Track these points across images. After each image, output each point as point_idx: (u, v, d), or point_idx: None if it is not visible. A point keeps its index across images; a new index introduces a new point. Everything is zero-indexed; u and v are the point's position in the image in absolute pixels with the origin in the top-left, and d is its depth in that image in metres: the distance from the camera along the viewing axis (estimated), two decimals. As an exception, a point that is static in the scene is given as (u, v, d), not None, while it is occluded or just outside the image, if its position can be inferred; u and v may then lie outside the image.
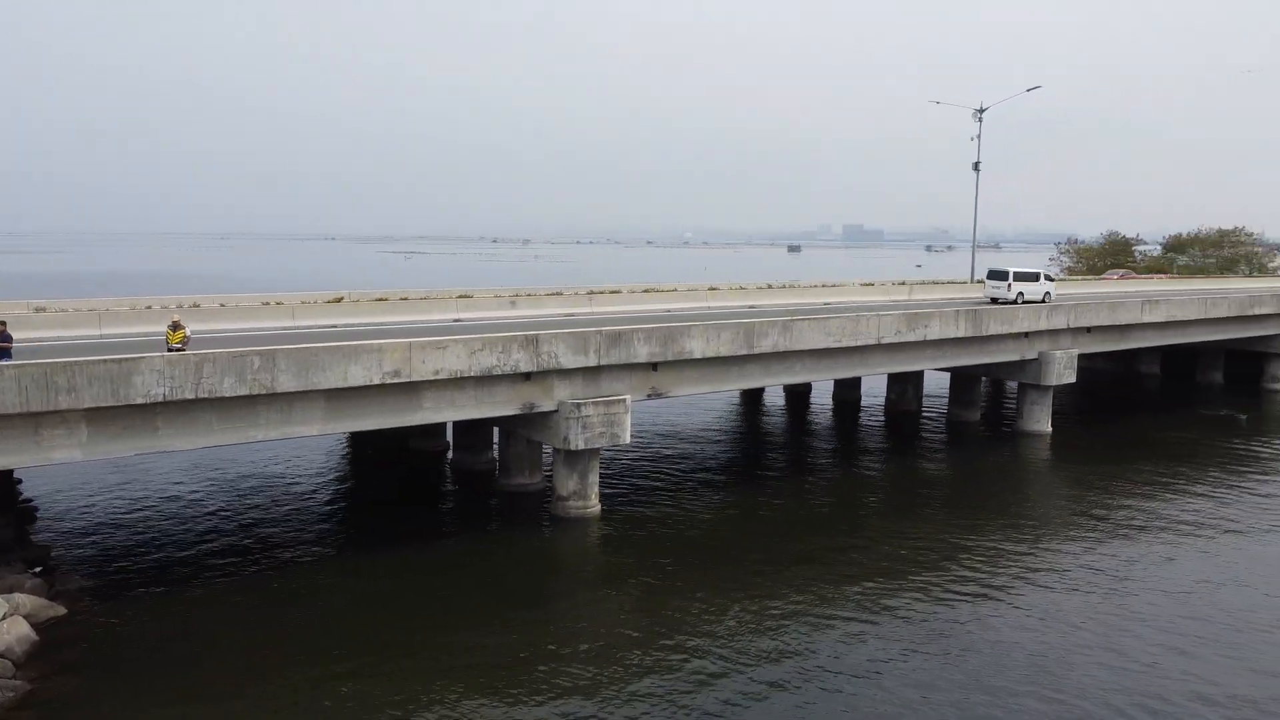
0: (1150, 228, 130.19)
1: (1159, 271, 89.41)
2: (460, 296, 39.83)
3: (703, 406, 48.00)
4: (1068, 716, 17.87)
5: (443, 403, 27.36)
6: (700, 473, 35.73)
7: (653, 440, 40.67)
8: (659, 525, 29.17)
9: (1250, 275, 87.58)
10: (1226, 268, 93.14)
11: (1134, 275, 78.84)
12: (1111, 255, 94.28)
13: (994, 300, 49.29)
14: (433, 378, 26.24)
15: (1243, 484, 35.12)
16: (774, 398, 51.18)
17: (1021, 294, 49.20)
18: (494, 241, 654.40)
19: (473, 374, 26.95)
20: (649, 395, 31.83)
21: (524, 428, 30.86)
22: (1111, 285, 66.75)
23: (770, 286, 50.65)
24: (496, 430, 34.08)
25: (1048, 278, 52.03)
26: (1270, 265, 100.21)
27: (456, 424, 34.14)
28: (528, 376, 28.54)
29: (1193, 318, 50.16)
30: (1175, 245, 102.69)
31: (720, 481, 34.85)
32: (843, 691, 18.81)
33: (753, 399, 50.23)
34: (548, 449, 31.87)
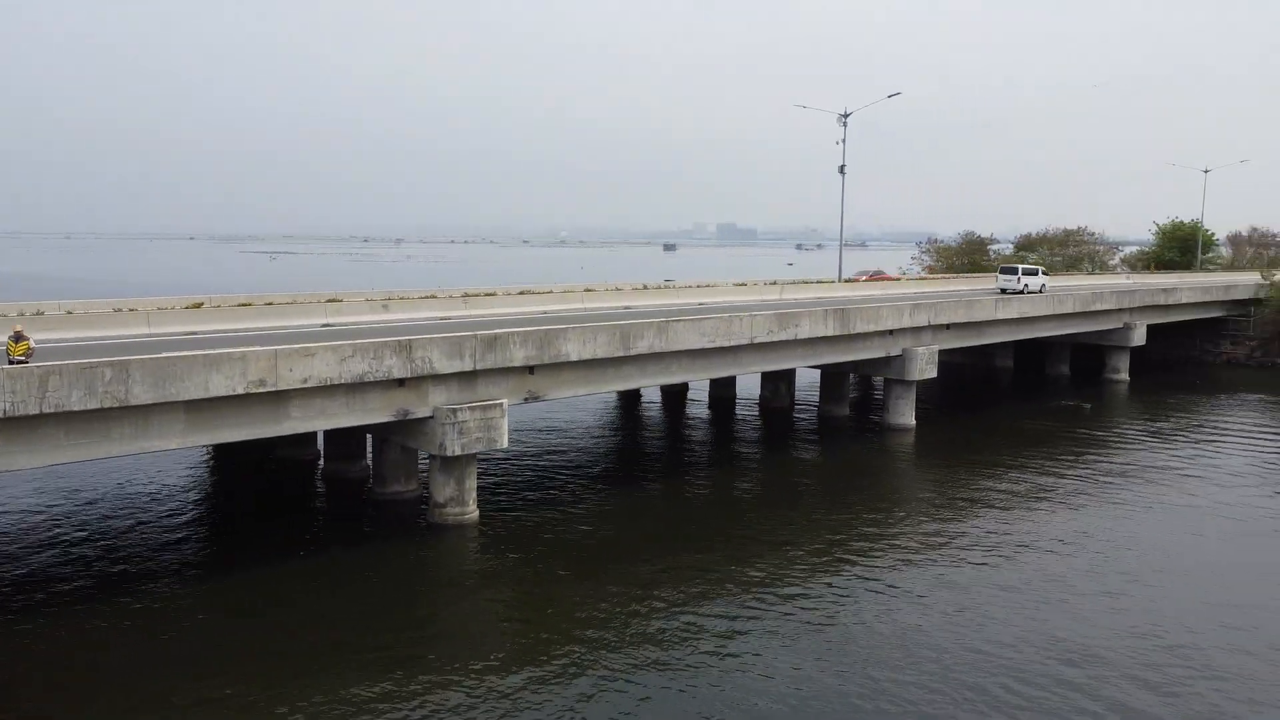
0: (1003, 227, 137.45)
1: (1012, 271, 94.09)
2: (329, 300, 38.73)
3: (581, 408, 48.10)
4: (941, 698, 18.72)
5: (312, 411, 26.56)
6: (580, 474, 35.80)
7: (532, 444, 40.51)
8: (539, 529, 29.09)
9: (1092, 273, 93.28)
10: (1072, 265, 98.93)
11: (885, 277, 78.86)
12: (968, 254, 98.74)
13: (1004, 291, 57.35)
14: (301, 386, 25.43)
15: (1090, 465, 37.47)
16: (651, 397, 51.72)
17: (1026, 285, 57.94)
18: (365, 241, 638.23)
19: (344, 381, 26.26)
20: (526, 399, 31.69)
21: (399, 434, 30.26)
22: (877, 287, 66.02)
23: (646, 287, 51.13)
24: (370, 437, 33.31)
25: (1044, 272, 62.46)
26: (1110, 263, 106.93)
27: (328, 432, 33.19)
28: (401, 382, 27.99)
29: (1042, 314, 53.23)
30: (1026, 244, 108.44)
31: (600, 482, 35.00)
32: (724, 687, 19.18)
33: (630, 399, 50.64)
34: (424, 455, 31.35)
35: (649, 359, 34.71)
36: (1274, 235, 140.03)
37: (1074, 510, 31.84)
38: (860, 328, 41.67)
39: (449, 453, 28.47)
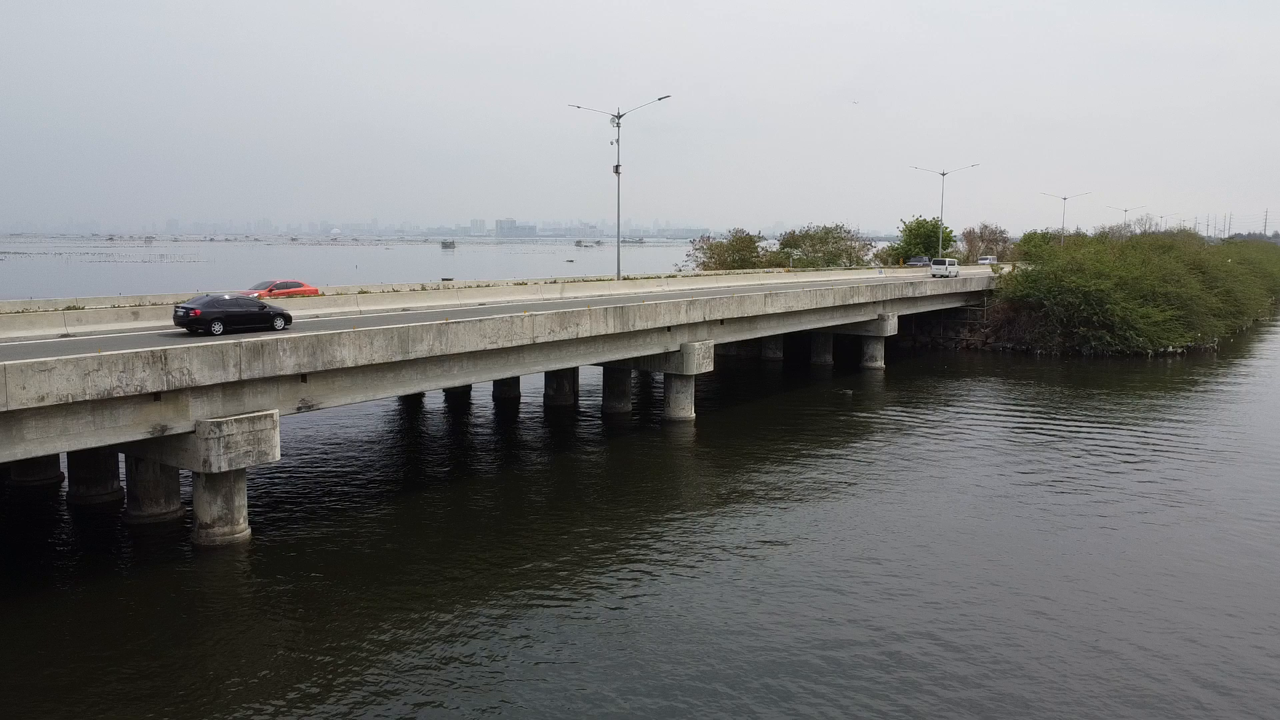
0: (770, 224, 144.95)
1: (779, 265, 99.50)
2: (69, 308, 35.25)
3: (361, 415, 46.36)
4: (733, 688, 19.46)
5: (52, 432, 24.06)
6: (361, 485, 34.50)
7: (308, 455, 38.62)
8: (318, 544, 27.77)
9: (850, 268, 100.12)
10: (832, 260, 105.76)
11: (302, 290, 63.54)
12: (738, 251, 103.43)
13: (935, 275, 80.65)
14: (37, 404, 22.98)
15: (853, 447, 40.18)
16: (434, 400, 50.65)
17: (957, 273, 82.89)
18: (110, 239, 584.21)
19: (88, 397, 23.95)
20: (300, 408, 30.15)
21: (156, 452, 27.96)
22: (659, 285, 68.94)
23: (424, 288, 49.95)
24: (123, 456, 30.58)
25: (954, 262, 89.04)
26: (864, 258, 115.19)
27: (72, 453, 30.15)
28: (157, 396, 25.87)
29: (806, 308, 56.56)
30: (790, 241, 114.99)
31: (382, 492, 33.88)
32: (511, 700, 19.07)
33: (412, 403, 49.36)
34: (186, 473, 29.13)
35: (429, 362, 33.95)
36: (1002, 232, 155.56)
37: (842, 491, 34.02)
38: (640, 325, 42.63)
39: (214, 469, 26.62)
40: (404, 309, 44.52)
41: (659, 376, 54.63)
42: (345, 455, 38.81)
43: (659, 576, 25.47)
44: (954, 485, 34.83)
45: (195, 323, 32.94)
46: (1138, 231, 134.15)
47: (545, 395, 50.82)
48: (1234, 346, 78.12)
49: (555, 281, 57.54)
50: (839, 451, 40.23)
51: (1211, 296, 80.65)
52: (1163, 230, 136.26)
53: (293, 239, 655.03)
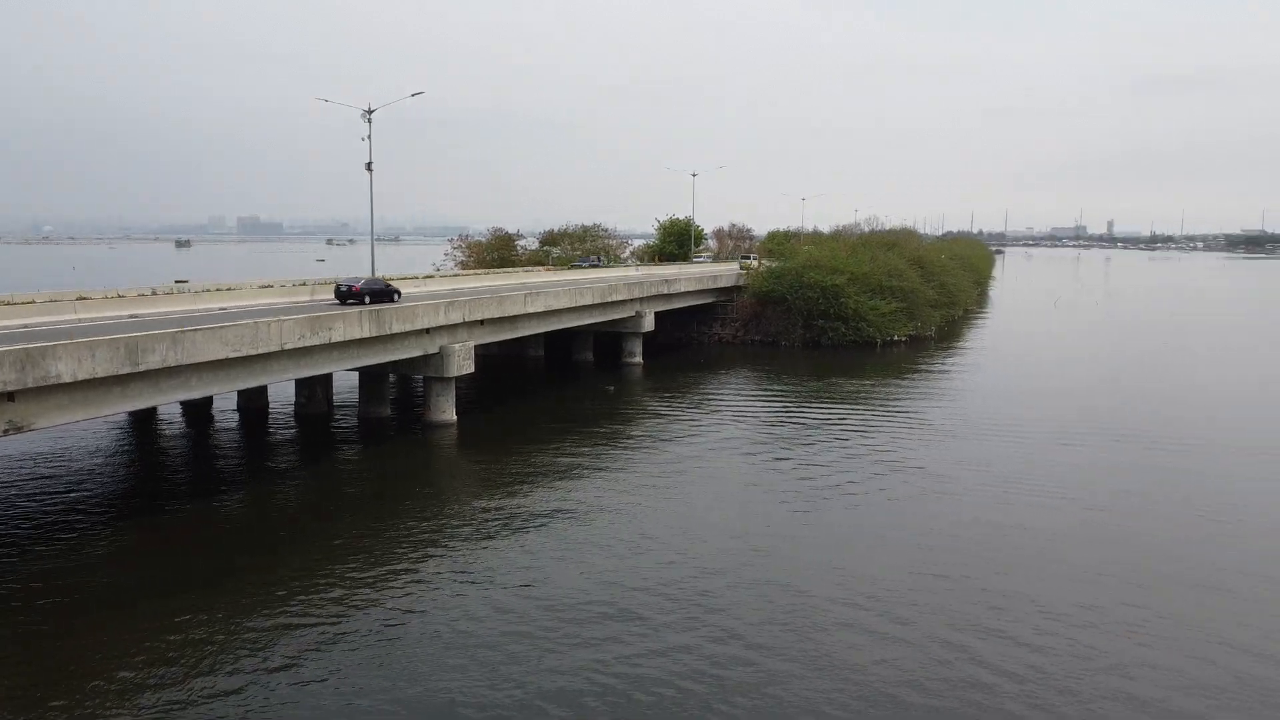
0: (529, 222, 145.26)
1: (539, 264, 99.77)
2: None
3: (87, 433, 41.97)
4: (516, 692, 19.28)
5: None
6: (83, 513, 31.24)
7: (16, 483, 34.52)
8: (46, 578, 24.87)
9: (608, 266, 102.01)
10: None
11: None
12: (498, 249, 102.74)
13: (742, 268, 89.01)
14: None
15: (616, 441, 41.03)
16: (170, 413, 46.74)
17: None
18: None
19: None
20: (7, 430, 26.89)
21: None
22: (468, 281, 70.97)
23: (155, 292, 45.88)
24: None
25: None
26: (622, 256, 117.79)
27: None
28: None
29: (566, 306, 57.10)
30: (550, 239, 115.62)
31: (108, 519, 30.86)
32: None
33: (144, 418, 45.28)
34: None
35: (163, 374, 31.29)
36: (749, 230, 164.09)
37: (609, 486, 34.63)
38: (397, 328, 41.41)
39: (-101, 506, 23.21)
40: (132, 316, 40.70)
41: (419, 379, 53.31)
42: (68, 479, 35.01)
43: (429, 584, 24.89)
44: (714, 473, 36.38)
45: None
46: (866, 230, 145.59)
47: (297, 404, 48.22)
48: (949, 334, 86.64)
49: (305, 283, 54.64)
50: (604, 447, 40.97)
51: (929, 289, 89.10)
52: (887, 229, 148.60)
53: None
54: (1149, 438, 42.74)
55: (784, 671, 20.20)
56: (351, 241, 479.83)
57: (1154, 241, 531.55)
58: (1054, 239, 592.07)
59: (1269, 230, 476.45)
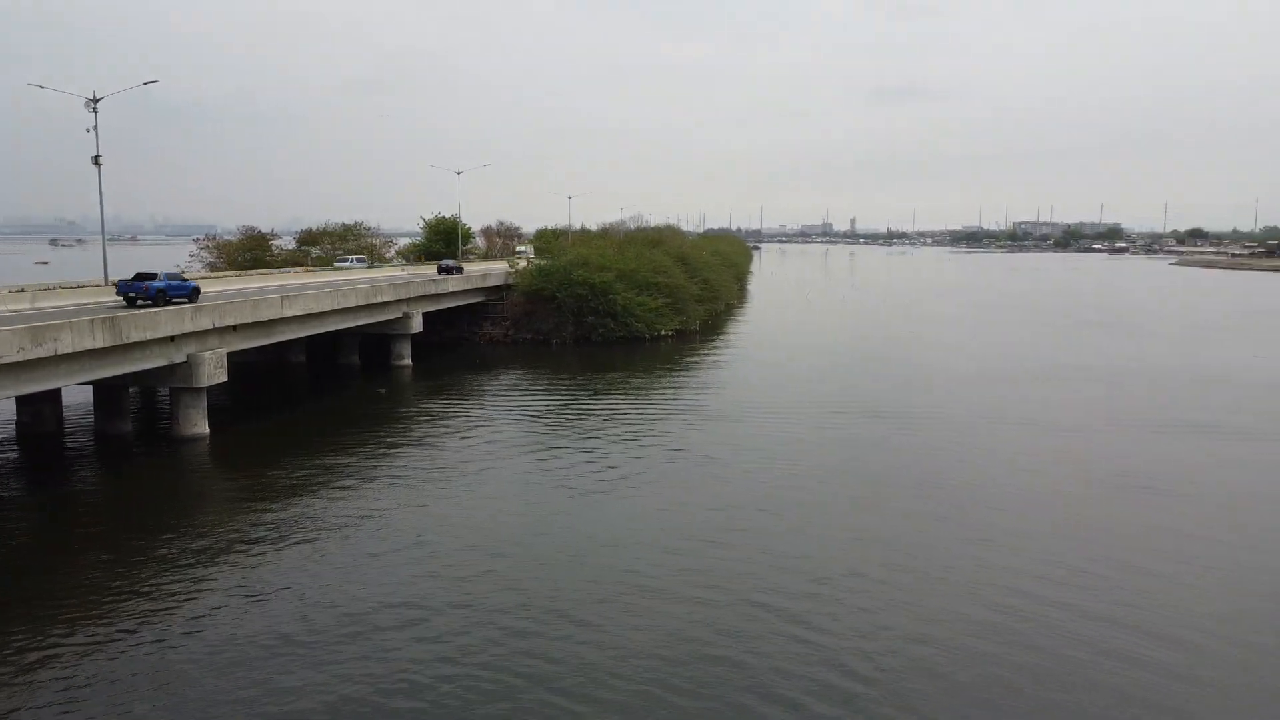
0: (285, 220, 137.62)
1: (297, 264, 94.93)
2: None
3: None
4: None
5: None
6: None
7: None
8: None
9: (372, 266, 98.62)
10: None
11: None
12: (250, 250, 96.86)
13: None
14: None
15: (386, 446, 39.70)
16: None
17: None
18: None
19: None
20: None
21: None
22: (250, 282, 68.27)
23: None
24: None
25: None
26: (387, 255, 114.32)
27: None
28: None
29: (328, 309, 54.66)
30: (308, 239, 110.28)
31: None
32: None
33: None
34: None
35: None
36: (517, 228, 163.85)
37: (383, 493, 33.41)
38: (137, 335, 38.04)
39: None
40: None
41: (166, 391, 49.25)
42: None
43: (189, 613, 23.01)
44: (493, 473, 36.00)
45: None
46: (632, 228, 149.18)
47: (19, 424, 43.16)
48: (713, 328, 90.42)
49: (24, 290, 49.01)
50: (374, 451, 39.54)
51: (693, 285, 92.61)
52: (652, 227, 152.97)
53: None
54: (888, 414, 46.49)
55: (543, 671, 20.34)
56: (80, 242, 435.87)
57: (891, 238, 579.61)
58: (805, 236, 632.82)
59: (985, 227, 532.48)
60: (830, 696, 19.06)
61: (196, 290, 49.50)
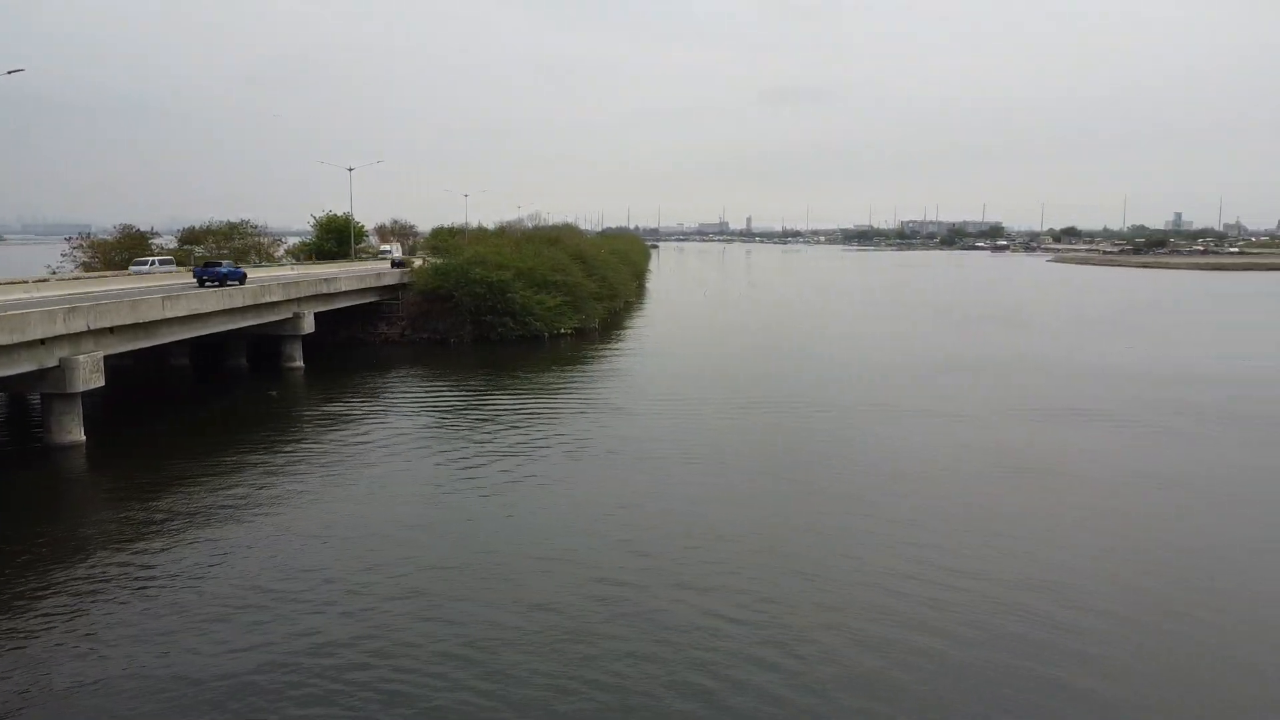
0: (165, 219, 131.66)
1: (180, 264, 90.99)
2: None
3: None
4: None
5: None
6: None
7: None
8: None
9: (260, 265, 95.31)
10: (240, 258, 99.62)
11: None
12: (128, 249, 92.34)
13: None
14: None
15: (277, 454, 38.34)
16: None
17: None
18: None
19: None
20: None
21: None
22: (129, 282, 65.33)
23: None
24: None
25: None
26: (276, 255, 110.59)
27: None
28: None
29: (213, 309, 52.57)
30: (191, 238, 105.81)
31: None
32: None
33: None
34: None
35: None
36: (412, 226, 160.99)
37: (269, 500, 32.29)
38: (4, 340, 35.83)
39: None
40: None
41: (37, 397, 46.57)
42: None
43: (63, 629, 21.76)
44: (391, 476, 35.17)
45: None
46: (530, 226, 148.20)
47: None
48: (613, 325, 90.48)
49: (-126, 291, 45.73)
50: (262, 459, 38.12)
51: (592, 283, 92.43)
52: (550, 225, 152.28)
53: None
54: (788, 406, 47.33)
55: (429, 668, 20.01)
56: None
57: (785, 236, 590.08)
58: (702, 234, 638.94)
59: (875, 226, 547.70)
60: (746, 689, 19.24)
61: (244, 276, 62.38)
